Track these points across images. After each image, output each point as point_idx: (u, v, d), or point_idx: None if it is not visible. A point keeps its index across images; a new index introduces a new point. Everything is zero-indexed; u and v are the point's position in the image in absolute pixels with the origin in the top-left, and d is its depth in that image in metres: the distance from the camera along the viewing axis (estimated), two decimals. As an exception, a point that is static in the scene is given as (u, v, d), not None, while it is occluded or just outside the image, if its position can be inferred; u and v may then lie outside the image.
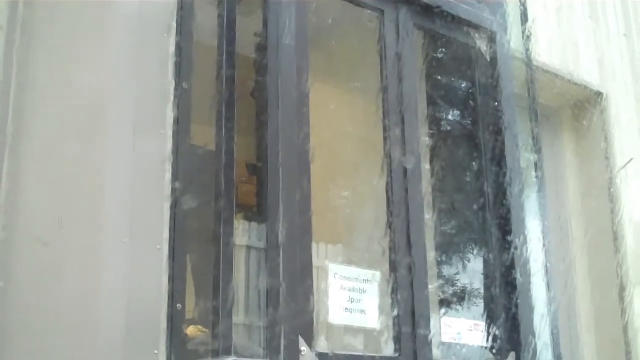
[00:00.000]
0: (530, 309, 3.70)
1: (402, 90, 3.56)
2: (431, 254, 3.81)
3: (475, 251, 4.01)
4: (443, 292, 4.01)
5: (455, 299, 4.03)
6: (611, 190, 4.99)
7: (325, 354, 2.99)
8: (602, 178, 5.03)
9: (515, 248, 3.71)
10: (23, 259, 2.99)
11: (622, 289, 4.86)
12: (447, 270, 4.11)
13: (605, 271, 4.95)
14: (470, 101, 4.01)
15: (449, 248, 4.10)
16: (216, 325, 2.83)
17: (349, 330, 3.43)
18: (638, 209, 5.13)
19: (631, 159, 5.00)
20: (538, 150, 4.12)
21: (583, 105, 5.23)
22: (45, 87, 3.16)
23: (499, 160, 3.83)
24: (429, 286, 3.46)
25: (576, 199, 5.14)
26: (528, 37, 4.24)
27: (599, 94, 5.20)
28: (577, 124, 5.26)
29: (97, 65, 2.96)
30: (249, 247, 3.34)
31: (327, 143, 3.71)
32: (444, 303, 3.97)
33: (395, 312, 3.29)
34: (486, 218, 3.80)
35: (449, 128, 4.23)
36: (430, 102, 4.05)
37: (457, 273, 4.12)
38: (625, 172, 5.03)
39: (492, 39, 3.97)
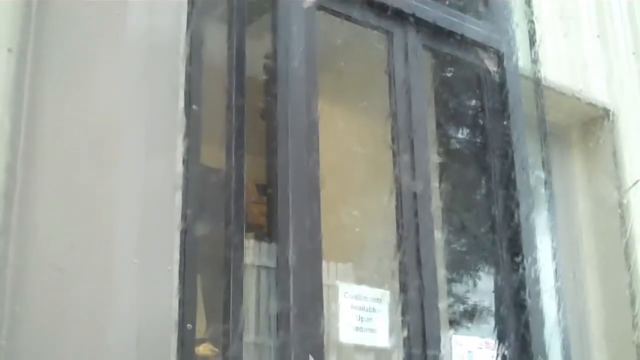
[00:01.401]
0: (541, 328, 3.70)
1: (412, 111, 3.57)
2: (441, 273, 3.81)
3: (485, 270, 4.01)
4: (453, 311, 4.02)
5: (465, 317, 4.03)
6: (621, 207, 4.99)
7: (336, 373, 3.00)
8: (611, 196, 5.03)
9: (525, 267, 3.71)
10: (36, 283, 3.02)
11: (633, 305, 4.85)
12: (457, 289, 4.11)
13: (617, 289, 4.94)
14: (480, 121, 4.02)
15: (459, 267, 4.11)
16: (227, 346, 2.84)
17: (360, 349, 3.43)
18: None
19: (638, 180, 5.00)
20: (548, 170, 4.12)
21: (592, 123, 5.23)
22: (57, 112, 3.19)
23: (508, 180, 3.84)
24: (440, 305, 3.47)
25: (586, 217, 5.14)
26: (536, 58, 4.25)
27: (607, 111, 5.20)
28: (587, 142, 5.26)
29: (108, 89, 2.99)
30: (259, 267, 3.35)
31: (337, 164, 3.73)
32: (455, 321, 3.98)
33: (405, 332, 3.30)
34: (496, 238, 3.81)
35: (458, 148, 4.24)
36: (440, 123, 4.06)
37: (468, 292, 4.12)
38: (636, 189, 5.03)
39: (500, 60, 3.98)
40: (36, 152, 3.18)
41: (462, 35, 3.87)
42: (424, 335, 3.31)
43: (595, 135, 5.19)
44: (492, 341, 3.72)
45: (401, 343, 3.32)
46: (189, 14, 3.06)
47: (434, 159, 3.86)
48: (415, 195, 3.47)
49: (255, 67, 3.21)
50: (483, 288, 4.03)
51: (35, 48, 3.33)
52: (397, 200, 3.47)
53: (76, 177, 2.98)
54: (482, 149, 3.96)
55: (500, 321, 3.73)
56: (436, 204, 3.72)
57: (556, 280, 4.01)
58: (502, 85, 3.94)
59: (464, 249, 4.17)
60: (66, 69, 3.21)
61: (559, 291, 4.00)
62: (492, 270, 3.86)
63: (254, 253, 3.33)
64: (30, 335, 2.95)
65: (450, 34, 3.83)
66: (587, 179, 5.21)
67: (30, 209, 3.11)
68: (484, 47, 3.97)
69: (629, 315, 4.85)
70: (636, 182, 4.97)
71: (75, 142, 3.04)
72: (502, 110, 3.92)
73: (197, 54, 3.04)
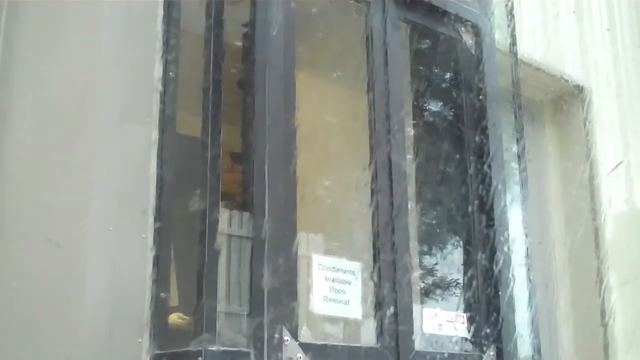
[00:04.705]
0: (512, 302, 3.72)
1: (389, 84, 3.56)
2: (414, 246, 3.82)
3: (457, 244, 4.03)
4: (425, 284, 4.03)
5: (436, 290, 4.05)
6: (592, 184, 5.05)
7: (309, 344, 2.99)
8: (582, 172, 5.08)
9: (497, 241, 3.73)
10: (11, 248, 2.99)
11: (599, 276, 4.93)
12: (429, 262, 4.12)
13: (585, 263, 5.01)
14: (455, 94, 4.02)
15: (431, 240, 4.12)
16: (200, 314, 2.83)
17: (332, 320, 3.44)
18: (618, 201, 5.19)
19: (621, 162, 5.06)
20: (521, 144, 4.14)
21: (565, 100, 5.27)
22: (32, 76, 3.15)
23: (481, 154, 3.85)
24: (412, 278, 3.48)
25: (557, 193, 5.19)
26: (513, 31, 4.25)
27: (581, 88, 5.24)
28: (559, 118, 5.30)
29: (84, 54, 2.96)
30: (233, 236, 3.33)
31: (313, 135, 3.71)
32: (426, 295, 3.99)
33: (378, 304, 3.30)
34: (468, 211, 3.82)
35: (433, 120, 4.24)
36: (416, 95, 4.06)
37: (439, 265, 4.14)
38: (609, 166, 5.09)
39: (477, 33, 3.98)
40: (10, 116, 3.15)
41: (440, 8, 3.86)
42: (395, 307, 3.32)
43: (567, 112, 5.23)
44: (463, 314, 3.74)
45: (374, 315, 3.32)
46: (167, -22, 3.02)
47: (409, 130, 3.86)
48: (390, 167, 3.47)
49: (234, 34, 3.18)
50: (454, 261, 4.05)
51: (9, 9, 3.28)
52: (372, 172, 3.46)
53: (51, 143, 2.96)
54: (457, 122, 3.97)
55: (471, 295, 3.75)
56: (410, 177, 3.73)
57: (526, 255, 4.03)
58: (479, 59, 3.94)
59: (436, 222, 4.18)
60: (42, 32, 3.17)
61: (528, 265, 4.03)
62: (464, 244, 3.88)
63: (226, 222, 3.30)
64: (6, 298, 2.94)
65: (428, 6, 3.82)
66: (558, 154, 5.26)
67: (4, 175, 3.08)
68: (462, 20, 3.96)
69: (596, 289, 4.93)
70: (619, 164, 5.03)
71: (51, 107, 3.01)
72: (478, 84, 3.92)
73: (174, 19, 3.02)
